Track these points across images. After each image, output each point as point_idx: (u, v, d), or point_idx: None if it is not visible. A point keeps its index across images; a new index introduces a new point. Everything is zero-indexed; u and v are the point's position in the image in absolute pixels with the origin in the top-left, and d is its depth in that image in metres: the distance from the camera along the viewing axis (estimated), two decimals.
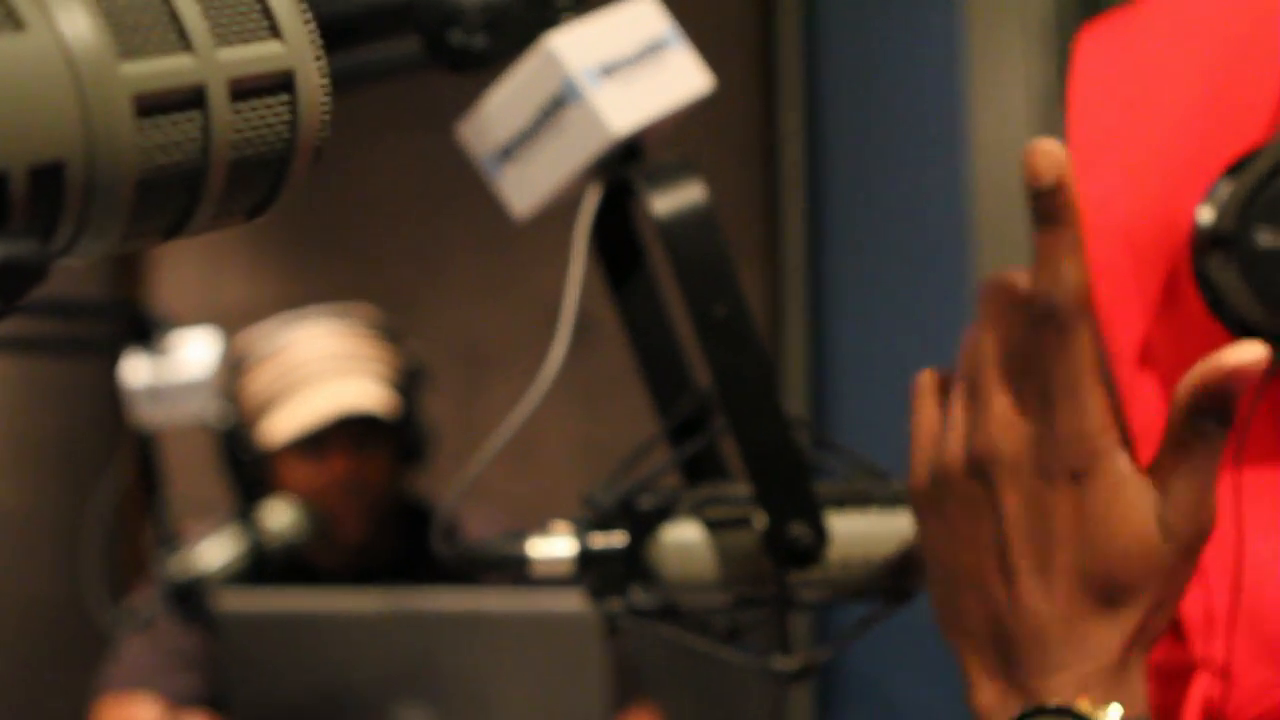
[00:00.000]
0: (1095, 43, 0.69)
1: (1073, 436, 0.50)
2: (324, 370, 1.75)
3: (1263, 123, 0.61)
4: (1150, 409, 0.63)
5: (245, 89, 0.37)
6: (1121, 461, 0.50)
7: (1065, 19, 1.88)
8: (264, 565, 1.59)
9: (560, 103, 0.69)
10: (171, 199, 0.37)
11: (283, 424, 1.72)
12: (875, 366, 2.27)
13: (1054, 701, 0.49)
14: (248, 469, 1.74)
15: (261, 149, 0.38)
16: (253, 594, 1.54)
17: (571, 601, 1.37)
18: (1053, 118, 1.81)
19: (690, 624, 0.71)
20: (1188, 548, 0.50)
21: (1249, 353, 0.48)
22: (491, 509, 1.78)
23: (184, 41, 0.36)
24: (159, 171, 0.36)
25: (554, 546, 0.68)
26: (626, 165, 0.71)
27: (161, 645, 1.74)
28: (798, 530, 0.65)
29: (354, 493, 1.77)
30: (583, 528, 0.69)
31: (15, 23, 0.34)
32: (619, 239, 0.74)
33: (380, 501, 1.81)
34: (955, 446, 0.53)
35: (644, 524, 0.68)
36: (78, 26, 0.34)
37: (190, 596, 1.49)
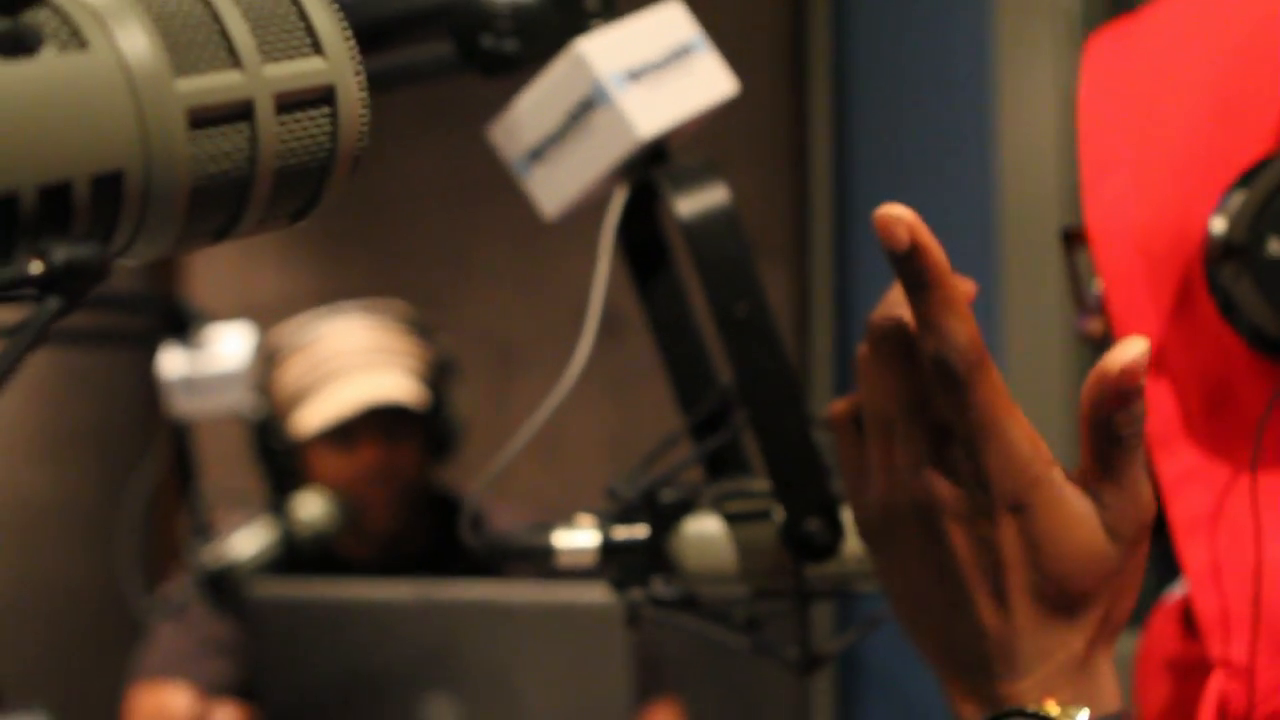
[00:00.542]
0: (1105, 49, 0.69)
1: (1002, 474, 0.50)
2: (355, 363, 1.76)
3: (1274, 128, 0.61)
4: (1164, 416, 0.64)
5: (290, 102, 0.40)
6: (1056, 481, 0.50)
7: (1094, 18, 1.89)
8: (295, 555, 1.60)
9: (589, 106, 0.71)
10: (221, 205, 0.40)
11: (313, 415, 1.74)
12: None
13: (1029, 706, 0.50)
14: (280, 460, 1.75)
15: (304, 158, 0.41)
16: (284, 582, 1.56)
17: (596, 594, 1.39)
18: None
19: (710, 615, 0.72)
20: (1134, 540, 0.51)
21: (1132, 349, 0.49)
22: (518, 506, 1.79)
23: (234, 59, 0.39)
24: (210, 179, 0.39)
25: (578, 538, 0.70)
26: (652, 167, 0.72)
27: (194, 632, 1.76)
28: (814, 525, 0.66)
29: (383, 483, 1.78)
30: (606, 520, 0.70)
31: (79, 42, 0.36)
32: (645, 238, 0.76)
33: (409, 492, 1.83)
34: (892, 491, 0.53)
35: (666, 517, 0.70)
36: (136, 46, 0.37)
37: (222, 585, 1.50)
